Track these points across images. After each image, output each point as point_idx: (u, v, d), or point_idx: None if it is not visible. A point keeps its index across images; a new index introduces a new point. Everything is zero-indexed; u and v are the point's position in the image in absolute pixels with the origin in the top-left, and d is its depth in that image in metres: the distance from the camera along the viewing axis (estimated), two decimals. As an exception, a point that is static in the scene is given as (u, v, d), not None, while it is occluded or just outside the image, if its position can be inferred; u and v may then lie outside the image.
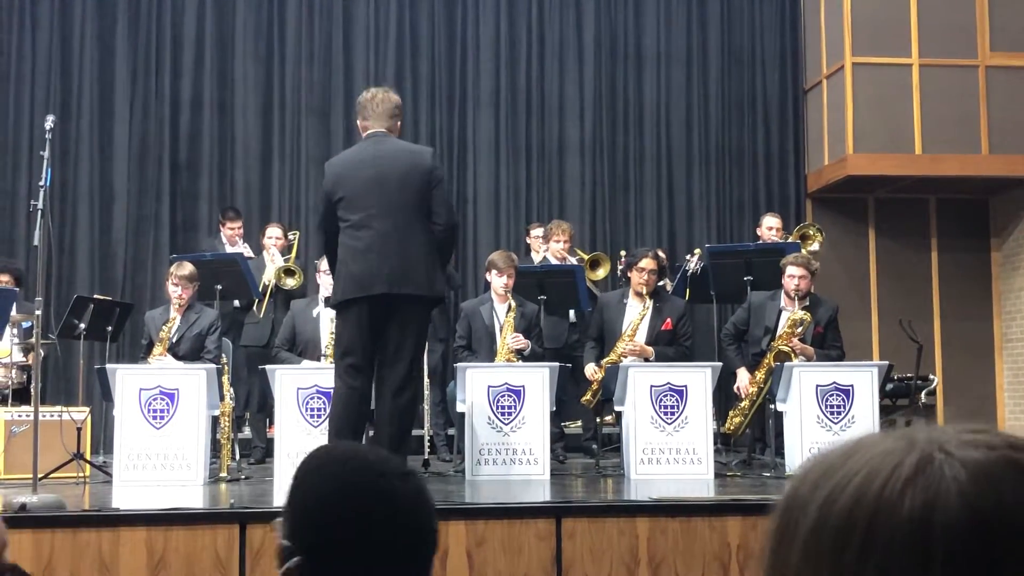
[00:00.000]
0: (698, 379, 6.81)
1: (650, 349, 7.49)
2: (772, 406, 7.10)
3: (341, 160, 5.84)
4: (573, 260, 8.78)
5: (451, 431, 7.98)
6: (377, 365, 5.61)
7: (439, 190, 5.68)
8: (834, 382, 6.82)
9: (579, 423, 8.71)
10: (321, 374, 6.71)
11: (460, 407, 6.89)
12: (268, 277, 8.62)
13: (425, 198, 5.59)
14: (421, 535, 1.58)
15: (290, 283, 8.56)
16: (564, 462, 7.98)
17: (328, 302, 6.55)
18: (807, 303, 7.40)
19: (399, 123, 5.90)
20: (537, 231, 9.36)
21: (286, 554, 1.56)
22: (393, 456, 1.68)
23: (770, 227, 9.14)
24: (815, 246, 8.81)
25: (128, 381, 6.57)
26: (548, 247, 8.88)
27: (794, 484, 0.82)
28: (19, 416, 7.08)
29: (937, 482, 0.75)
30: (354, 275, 5.50)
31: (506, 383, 6.76)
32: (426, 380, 8.05)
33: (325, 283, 7.37)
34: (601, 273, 8.90)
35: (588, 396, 7.65)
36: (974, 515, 0.73)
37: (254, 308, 8.62)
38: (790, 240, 8.85)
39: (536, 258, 9.00)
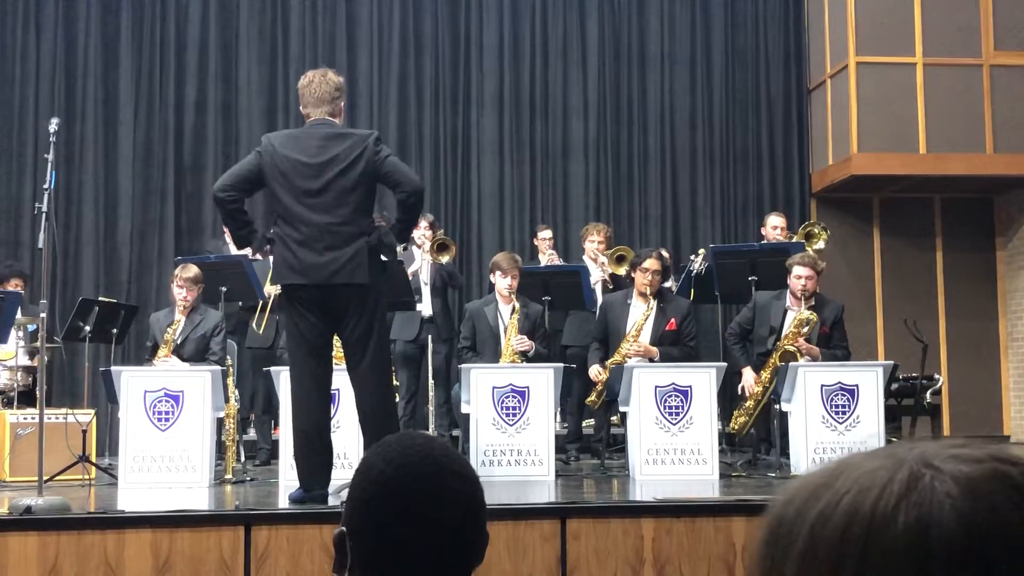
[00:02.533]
0: (703, 380, 6.81)
1: (655, 349, 7.48)
2: (777, 406, 7.09)
3: (282, 140, 5.56)
4: (604, 260, 8.77)
5: (456, 432, 7.98)
6: (345, 358, 5.55)
7: (389, 162, 5.45)
8: (839, 382, 6.82)
9: (592, 421, 8.65)
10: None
11: (465, 408, 6.89)
12: (272, 289, 8.52)
13: (370, 184, 5.44)
14: (460, 539, 1.57)
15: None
16: (569, 463, 7.99)
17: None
18: (812, 303, 7.39)
19: (342, 105, 5.63)
20: (545, 233, 9.34)
21: (337, 540, 1.56)
22: (459, 456, 1.66)
23: (775, 227, 9.12)
24: (820, 245, 8.78)
25: (133, 383, 6.58)
26: (584, 247, 8.97)
27: (777, 509, 0.82)
28: (24, 419, 7.09)
29: (929, 498, 0.75)
30: (293, 264, 5.38)
31: (511, 384, 6.76)
32: (431, 381, 8.06)
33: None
34: (625, 269, 8.77)
35: (593, 397, 7.65)
36: (969, 529, 0.73)
37: (252, 324, 8.54)
38: (795, 239, 8.84)
39: (544, 260, 8.99)
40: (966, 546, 0.73)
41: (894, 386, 8.55)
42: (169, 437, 6.49)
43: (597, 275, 8.73)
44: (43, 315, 5.40)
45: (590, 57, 10.91)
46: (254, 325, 8.52)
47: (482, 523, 1.61)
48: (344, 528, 1.56)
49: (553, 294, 8.11)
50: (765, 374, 7.31)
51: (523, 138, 10.75)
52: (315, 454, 5.39)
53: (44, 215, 5.29)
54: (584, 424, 8.67)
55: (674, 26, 11.04)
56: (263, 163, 5.47)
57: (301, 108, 5.62)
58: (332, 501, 5.26)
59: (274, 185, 5.46)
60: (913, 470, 0.77)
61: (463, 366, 7.08)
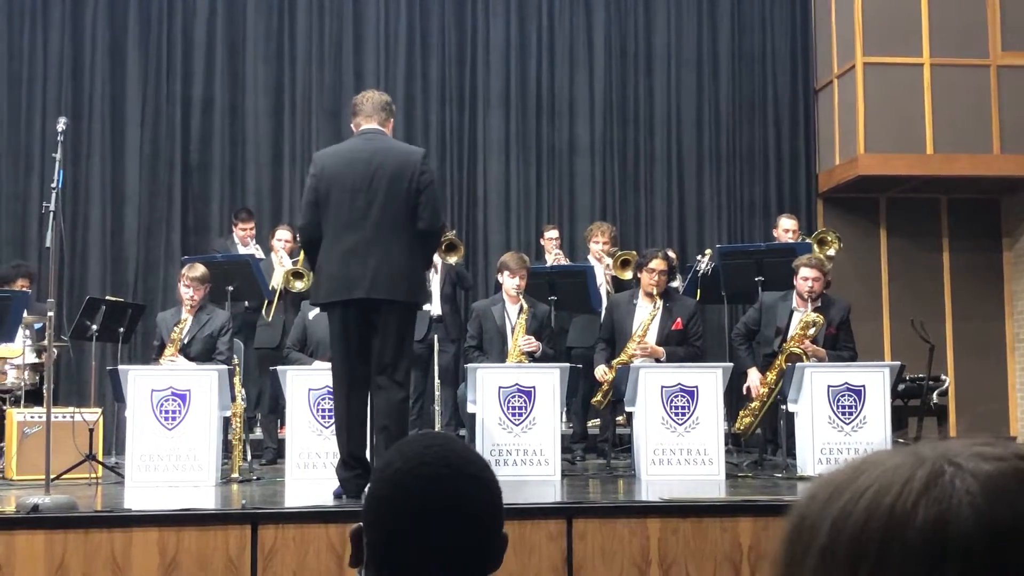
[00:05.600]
0: (709, 380, 6.80)
1: (660, 350, 7.47)
2: (783, 407, 7.08)
3: (332, 154, 5.75)
4: (609, 261, 8.75)
5: (462, 432, 7.98)
6: (371, 367, 5.60)
7: (428, 192, 5.59)
8: (846, 383, 6.81)
9: (598, 422, 8.65)
10: (331, 375, 6.71)
11: (471, 408, 6.89)
12: (277, 281, 8.61)
13: (414, 201, 5.52)
14: (475, 542, 1.55)
15: (299, 286, 8.57)
16: (575, 463, 7.98)
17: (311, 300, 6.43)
18: (819, 304, 7.38)
19: (391, 121, 5.81)
20: (551, 233, 9.34)
21: (354, 535, 1.56)
22: (479, 459, 1.65)
23: (786, 229, 9.07)
24: (831, 252, 8.73)
25: (140, 382, 6.59)
26: (589, 248, 8.94)
27: (801, 505, 0.82)
28: (32, 417, 7.10)
29: (949, 495, 0.75)
30: (336, 277, 5.47)
31: (517, 384, 6.76)
32: (437, 381, 8.06)
33: None
34: (630, 274, 8.75)
35: (599, 397, 7.65)
36: (988, 527, 0.73)
37: (263, 312, 8.62)
38: (807, 241, 8.78)
39: (550, 260, 8.99)
40: (984, 543, 0.73)
41: (901, 387, 8.53)
42: (176, 436, 6.50)
43: (602, 276, 8.72)
44: (50, 314, 5.41)
45: (597, 57, 10.90)
46: (264, 312, 8.57)
47: (498, 527, 1.59)
48: (362, 524, 1.57)
49: (559, 294, 8.10)
50: (771, 375, 7.30)
51: (529, 138, 10.75)
52: (349, 470, 5.46)
53: (52, 214, 5.31)
54: (589, 424, 8.66)
55: (681, 26, 11.03)
56: (317, 184, 5.59)
57: (353, 121, 5.77)
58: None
59: (325, 199, 5.54)
60: (934, 467, 0.77)
61: (469, 366, 7.08)
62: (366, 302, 5.45)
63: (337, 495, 5.46)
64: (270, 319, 8.59)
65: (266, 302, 8.58)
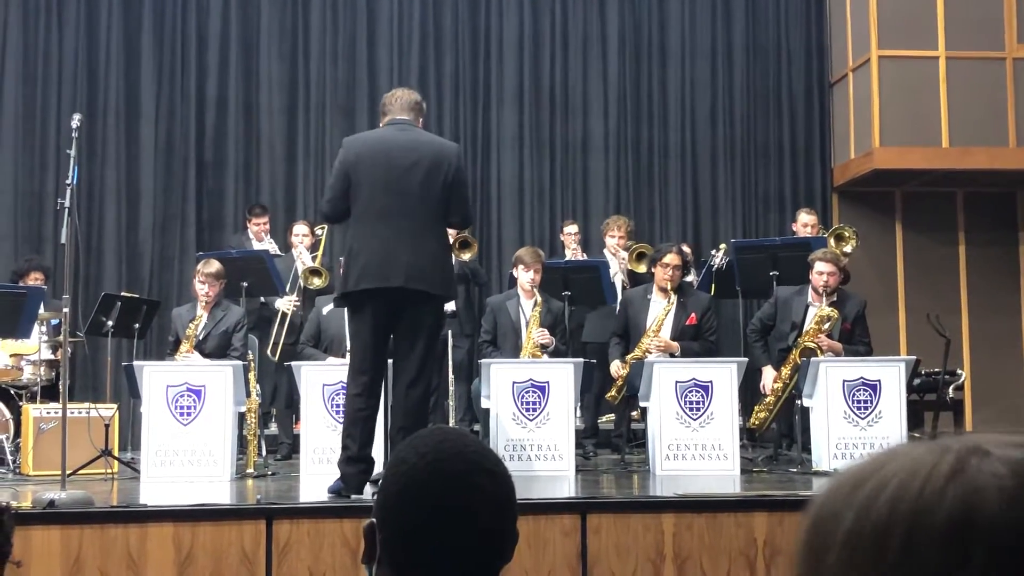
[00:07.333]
0: (724, 375, 6.79)
1: (675, 344, 7.45)
2: (799, 401, 7.06)
3: (364, 142, 5.68)
4: (625, 255, 8.73)
5: (476, 427, 7.99)
6: (393, 359, 5.59)
7: (462, 187, 5.61)
8: (861, 377, 6.79)
9: (612, 416, 8.64)
10: (346, 371, 6.72)
11: (484, 403, 6.89)
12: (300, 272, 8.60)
13: (446, 194, 5.51)
14: (489, 537, 1.55)
15: (316, 282, 8.57)
16: (589, 459, 7.98)
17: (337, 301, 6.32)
18: (834, 298, 7.35)
19: (421, 120, 5.75)
20: (571, 228, 9.32)
21: (367, 531, 1.56)
22: (492, 454, 1.64)
23: (805, 224, 9.01)
24: (848, 248, 8.69)
25: (155, 378, 6.61)
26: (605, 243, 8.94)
27: (822, 497, 0.81)
28: (48, 413, 7.14)
29: (976, 479, 0.74)
30: (371, 264, 5.40)
31: (531, 379, 6.76)
32: (451, 376, 8.06)
33: None
34: (646, 267, 8.71)
35: (613, 392, 7.64)
36: (1015, 510, 0.72)
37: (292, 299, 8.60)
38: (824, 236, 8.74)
39: (569, 255, 8.98)
40: (1011, 527, 0.72)
41: (916, 381, 8.50)
42: (191, 431, 6.53)
43: (617, 270, 8.70)
44: (66, 310, 5.44)
45: (610, 52, 10.88)
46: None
47: (512, 522, 1.59)
48: (374, 520, 1.56)
49: (573, 289, 8.09)
50: (785, 370, 7.28)
51: (543, 133, 10.74)
52: (354, 465, 5.43)
53: (67, 210, 5.33)
54: (602, 419, 8.65)
55: (695, 20, 11.00)
56: (349, 170, 5.52)
57: (382, 121, 5.72)
58: (366, 492, 5.29)
59: (356, 187, 5.49)
60: (961, 454, 0.76)
61: (483, 361, 7.08)
62: (398, 293, 5.40)
63: (335, 490, 5.40)
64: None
65: (281, 295, 8.59)
